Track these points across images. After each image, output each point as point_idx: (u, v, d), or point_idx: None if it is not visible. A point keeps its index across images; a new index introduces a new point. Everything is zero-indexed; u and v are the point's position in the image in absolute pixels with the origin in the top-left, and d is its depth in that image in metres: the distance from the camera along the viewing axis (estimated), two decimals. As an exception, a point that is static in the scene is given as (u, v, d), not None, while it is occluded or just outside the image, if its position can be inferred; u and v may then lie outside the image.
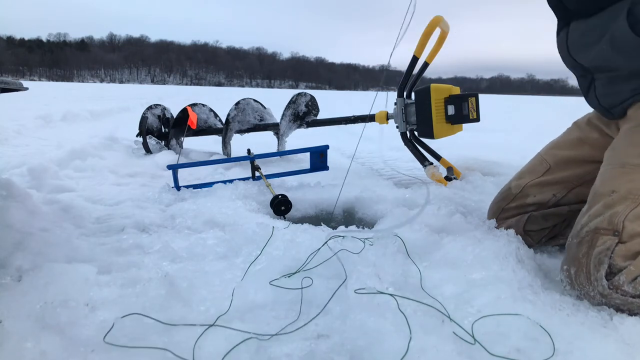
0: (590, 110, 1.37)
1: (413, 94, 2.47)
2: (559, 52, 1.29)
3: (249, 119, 3.15)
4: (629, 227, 0.96)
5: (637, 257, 0.94)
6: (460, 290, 1.00)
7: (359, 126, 3.21)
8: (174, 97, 14.13)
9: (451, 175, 2.33)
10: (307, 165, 2.38)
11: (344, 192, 1.86)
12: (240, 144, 3.22)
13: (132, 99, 13.07)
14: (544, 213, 1.37)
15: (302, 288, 1.02)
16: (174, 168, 2.08)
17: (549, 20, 1.42)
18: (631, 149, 1.07)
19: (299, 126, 3.14)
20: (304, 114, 3.11)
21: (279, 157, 3.08)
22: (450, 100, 2.29)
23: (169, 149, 3.32)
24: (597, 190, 1.07)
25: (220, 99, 11.88)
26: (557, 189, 1.36)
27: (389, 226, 1.35)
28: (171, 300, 0.97)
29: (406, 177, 2.66)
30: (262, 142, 3.34)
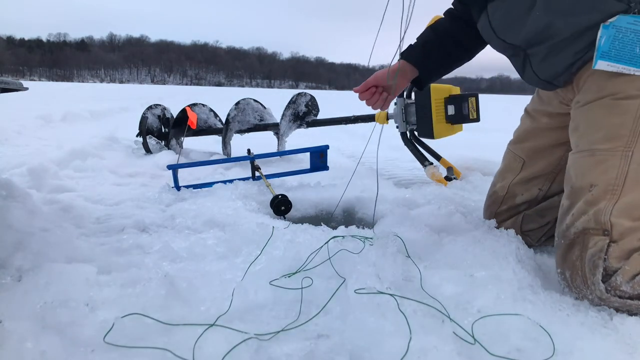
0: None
1: (413, 94, 2.47)
2: (485, 38, 1.24)
3: (249, 119, 3.15)
4: (617, 224, 0.94)
5: (631, 255, 0.94)
6: (460, 290, 1.00)
7: (359, 126, 3.22)
8: (174, 97, 14.12)
9: (451, 175, 2.33)
10: (307, 165, 2.38)
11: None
12: (240, 144, 3.22)
13: (132, 99, 13.07)
14: (537, 209, 1.36)
15: (302, 288, 1.02)
16: (174, 168, 2.08)
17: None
18: (595, 131, 1.01)
19: (299, 126, 3.14)
20: (304, 114, 3.11)
21: (279, 157, 3.08)
22: (450, 100, 2.30)
23: (169, 149, 3.32)
24: (574, 184, 1.03)
25: (220, 99, 11.88)
26: (541, 182, 1.35)
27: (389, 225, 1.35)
28: (171, 300, 0.97)
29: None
30: (262, 142, 3.34)
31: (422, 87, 1.42)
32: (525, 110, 1.41)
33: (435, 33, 1.36)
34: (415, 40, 1.38)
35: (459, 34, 1.34)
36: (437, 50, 1.34)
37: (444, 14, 1.40)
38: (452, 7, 1.39)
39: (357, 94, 1.34)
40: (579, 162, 1.04)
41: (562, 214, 1.05)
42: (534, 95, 1.38)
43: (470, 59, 1.42)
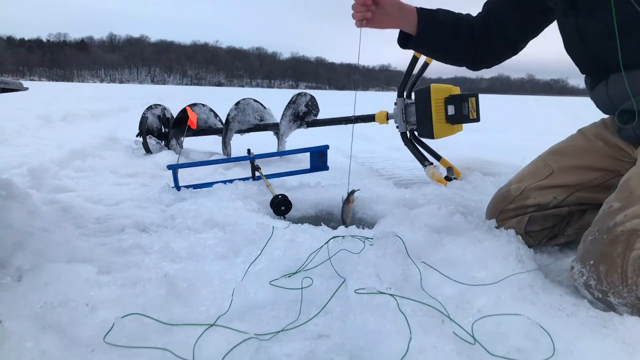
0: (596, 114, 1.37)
1: (413, 94, 2.47)
2: (594, 99, 1.28)
3: (249, 119, 3.15)
4: None
5: None
6: (460, 290, 1.00)
7: (358, 126, 3.22)
8: (174, 97, 14.12)
9: (451, 175, 2.33)
10: (307, 165, 2.38)
11: (343, 192, 1.86)
12: (240, 144, 3.22)
13: (132, 99, 13.07)
14: (544, 214, 1.37)
15: (302, 288, 1.02)
16: (174, 168, 2.08)
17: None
18: None
19: (299, 126, 3.14)
20: (304, 114, 3.11)
21: (279, 157, 3.08)
22: (450, 100, 2.30)
23: (169, 149, 3.32)
24: (635, 191, 1.05)
25: (220, 99, 11.89)
26: (558, 192, 1.36)
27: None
28: (171, 300, 0.97)
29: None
30: (262, 142, 3.34)
31: (406, 44, 1.39)
32: (580, 130, 1.42)
33: (456, 17, 1.39)
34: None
35: (479, 32, 1.38)
36: (447, 23, 1.36)
37: (479, 16, 1.42)
38: (488, 19, 1.41)
39: None
40: None
41: (611, 214, 1.06)
42: (598, 122, 1.39)
43: (463, 60, 1.45)
